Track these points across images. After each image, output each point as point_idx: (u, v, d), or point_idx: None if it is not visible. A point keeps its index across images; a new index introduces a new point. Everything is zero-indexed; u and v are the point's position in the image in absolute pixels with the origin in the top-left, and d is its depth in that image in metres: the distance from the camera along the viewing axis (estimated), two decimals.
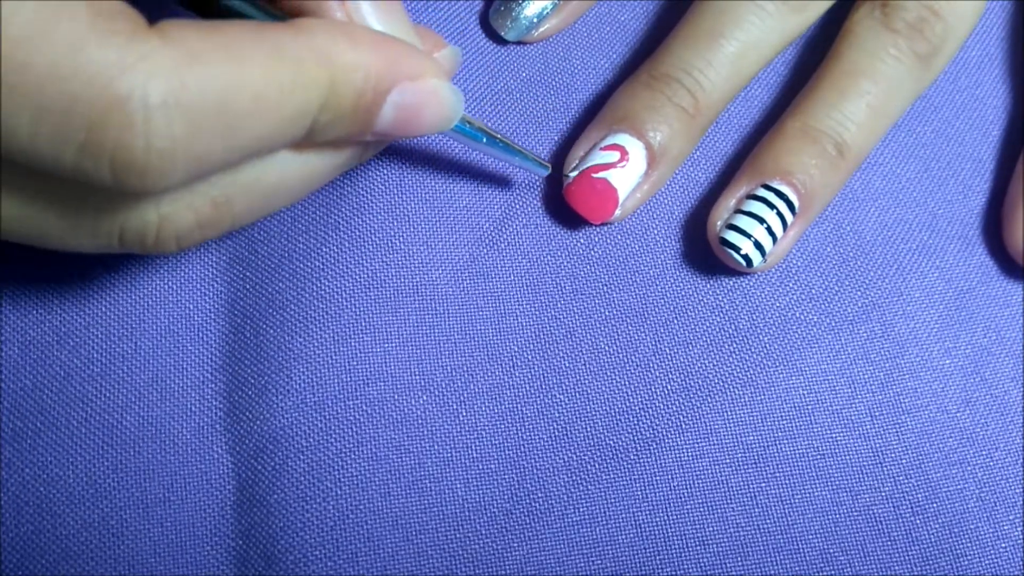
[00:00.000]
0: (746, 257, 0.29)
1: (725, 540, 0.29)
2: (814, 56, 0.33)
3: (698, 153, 0.32)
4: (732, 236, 0.29)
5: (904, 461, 0.30)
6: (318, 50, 0.20)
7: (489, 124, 0.32)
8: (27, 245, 0.21)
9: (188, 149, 0.18)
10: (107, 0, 0.17)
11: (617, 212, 0.30)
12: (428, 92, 0.22)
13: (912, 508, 0.29)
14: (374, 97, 0.21)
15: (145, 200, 0.20)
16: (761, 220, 0.29)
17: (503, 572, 0.28)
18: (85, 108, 0.17)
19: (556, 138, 0.32)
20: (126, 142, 0.17)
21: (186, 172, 0.18)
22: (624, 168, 0.29)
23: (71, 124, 0.17)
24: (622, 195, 0.29)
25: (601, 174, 0.29)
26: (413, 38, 0.24)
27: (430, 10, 0.33)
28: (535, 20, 0.32)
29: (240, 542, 0.28)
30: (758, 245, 0.29)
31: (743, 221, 0.29)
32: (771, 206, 0.29)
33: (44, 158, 0.17)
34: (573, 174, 0.30)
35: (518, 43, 0.33)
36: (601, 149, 0.29)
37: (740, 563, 0.29)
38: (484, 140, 0.27)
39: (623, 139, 0.29)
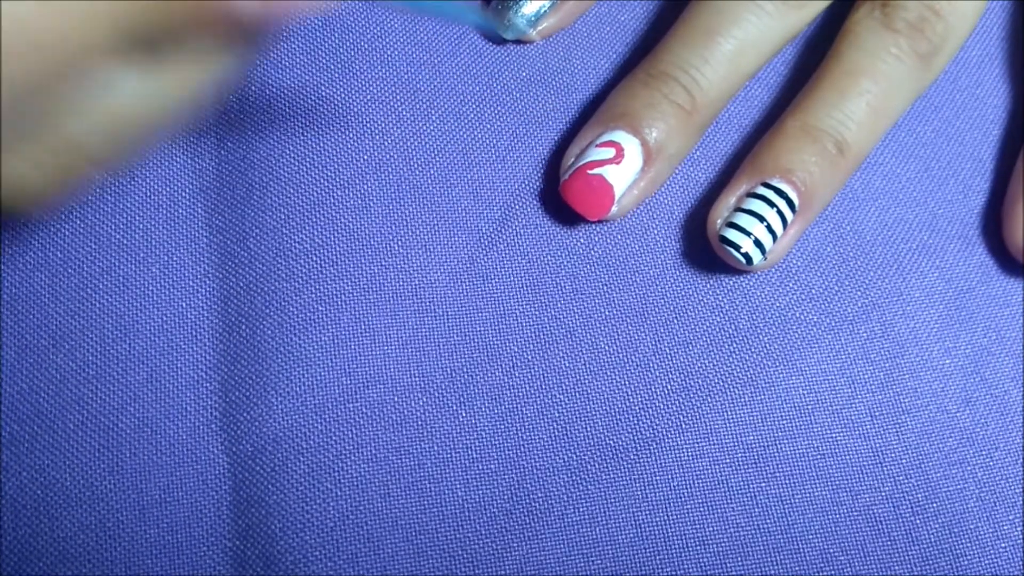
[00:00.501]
0: (746, 255, 0.29)
1: (725, 540, 0.29)
2: (814, 56, 0.33)
3: (698, 153, 0.32)
4: (732, 234, 0.29)
5: (904, 461, 0.30)
6: None
7: (489, 124, 0.32)
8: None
9: None
10: None
11: (614, 209, 0.30)
12: None
13: (912, 508, 0.29)
14: None
15: None
16: (761, 218, 0.29)
17: (503, 572, 0.28)
18: None
19: (556, 138, 0.32)
20: None
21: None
22: (620, 165, 0.29)
23: None
24: (618, 192, 0.29)
25: (596, 170, 0.29)
26: None
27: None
28: (533, 19, 0.32)
29: (238, 543, 0.28)
30: (758, 243, 0.29)
31: (743, 219, 0.29)
32: (771, 204, 0.29)
33: None
34: (569, 171, 0.30)
35: (516, 42, 0.33)
36: (597, 146, 0.29)
37: (740, 563, 0.29)
38: None
39: (619, 136, 0.29)
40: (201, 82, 0.20)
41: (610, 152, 0.29)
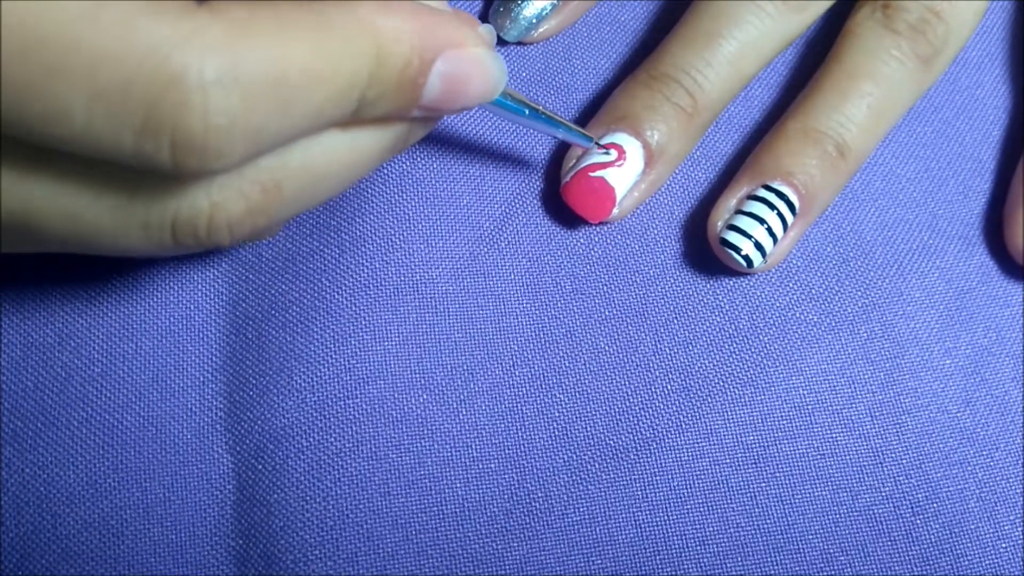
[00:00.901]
0: (746, 258, 0.29)
1: (725, 540, 0.29)
2: (814, 56, 0.33)
3: (698, 153, 0.32)
4: (732, 236, 0.29)
5: (904, 461, 0.30)
6: (362, 20, 0.19)
7: (490, 124, 0.32)
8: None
9: (246, 124, 0.18)
10: None
11: (615, 211, 0.30)
12: (473, 61, 0.21)
13: (912, 508, 0.29)
14: (420, 66, 0.21)
15: (197, 186, 0.19)
16: (762, 221, 0.29)
17: (503, 572, 0.28)
18: (141, 88, 0.16)
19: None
20: (184, 120, 0.17)
21: (244, 149, 0.18)
22: (621, 167, 0.29)
23: (128, 105, 0.16)
24: (619, 194, 0.29)
25: (598, 173, 0.29)
26: (448, 8, 0.23)
27: None
28: (535, 20, 0.32)
29: (240, 541, 0.28)
30: (758, 246, 0.29)
31: (743, 222, 0.29)
32: (772, 207, 0.29)
33: (103, 143, 0.17)
34: (570, 173, 0.30)
35: (518, 44, 0.33)
36: (598, 148, 0.29)
37: (740, 563, 0.29)
38: (526, 113, 0.26)
39: (621, 138, 0.29)
40: (383, 148, 0.23)
41: (611, 154, 0.29)
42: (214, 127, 0.17)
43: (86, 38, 0.16)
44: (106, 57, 0.16)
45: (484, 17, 0.33)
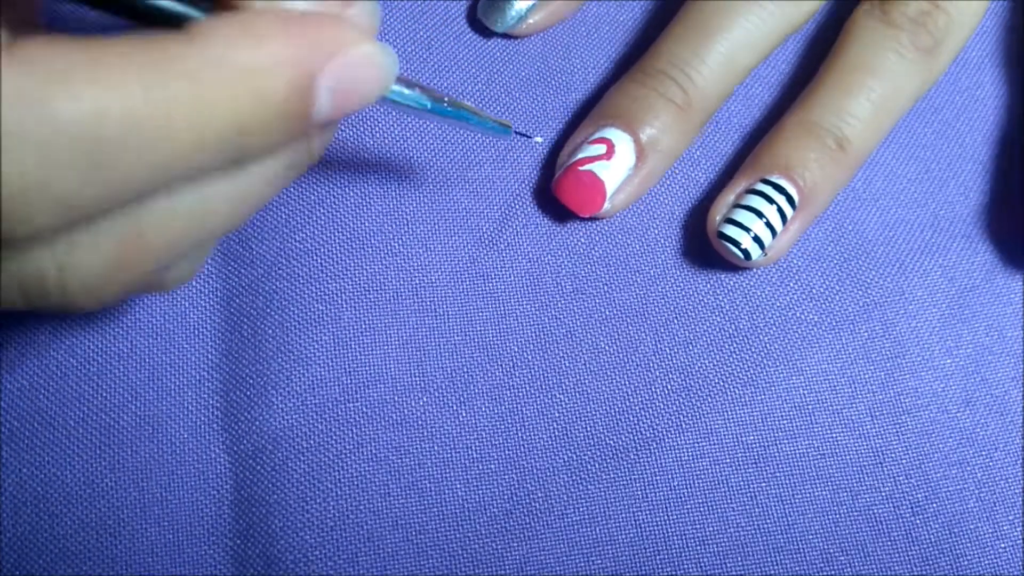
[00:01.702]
0: (745, 251, 0.29)
1: (725, 540, 0.29)
2: (815, 55, 0.33)
3: (698, 153, 0.32)
4: (731, 230, 0.29)
5: (904, 461, 0.30)
6: (220, 62, 0.17)
7: None
8: None
9: (46, 189, 0.16)
10: None
11: (606, 206, 0.30)
12: (360, 63, 0.19)
13: (912, 508, 0.29)
14: (302, 95, 0.18)
15: (36, 248, 0.17)
16: (760, 214, 0.29)
17: (503, 572, 0.28)
18: None
19: (555, 137, 0.32)
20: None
21: (52, 214, 0.16)
22: (611, 161, 0.29)
23: None
24: (609, 188, 0.29)
25: (587, 167, 0.29)
26: (331, 3, 0.20)
27: (427, 12, 0.33)
28: (524, 12, 0.32)
29: (239, 542, 0.28)
30: (757, 239, 0.29)
31: (742, 215, 0.29)
32: (770, 200, 0.29)
33: None
34: (561, 168, 0.30)
35: (505, 36, 0.33)
36: (589, 143, 0.29)
37: (740, 563, 0.29)
38: (429, 107, 0.23)
39: (611, 133, 0.29)
40: (278, 177, 0.21)
41: (601, 148, 0.29)
42: (7, 195, 0.15)
43: None
44: None
45: (474, 9, 0.33)
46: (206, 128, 0.17)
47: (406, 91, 0.23)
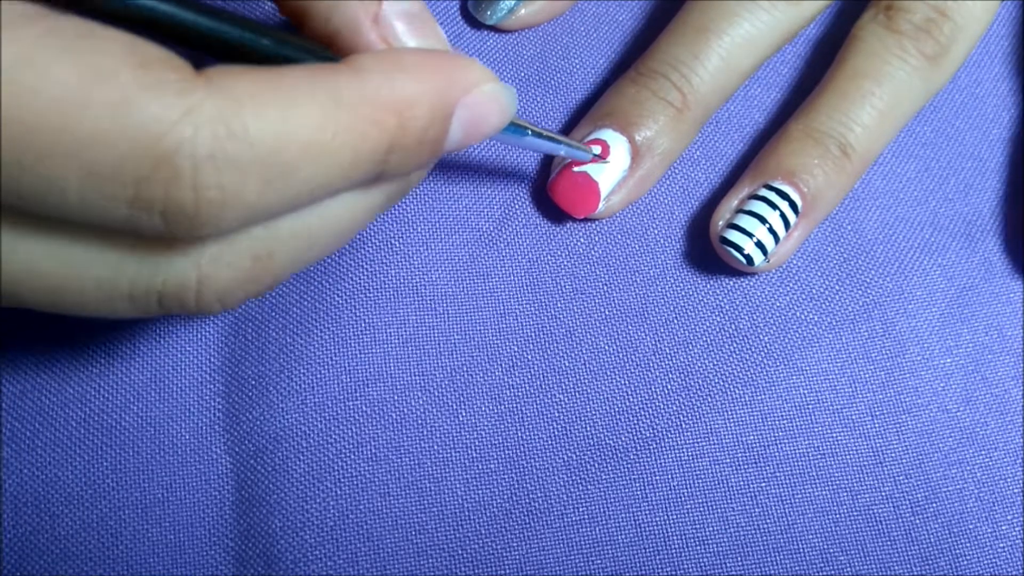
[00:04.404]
0: (748, 257, 0.29)
1: (725, 540, 0.29)
2: (817, 57, 0.33)
3: (698, 153, 0.32)
4: (734, 235, 0.29)
5: (904, 461, 0.30)
6: (376, 91, 0.19)
7: None
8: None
9: (239, 198, 0.18)
10: (151, 50, 0.17)
11: (601, 207, 0.30)
12: (488, 99, 0.21)
13: (912, 508, 0.29)
14: (442, 123, 0.20)
15: (185, 257, 0.19)
16: (763, 220, 0.29)
17: (503, 572, 0.28)
18: (132, 166, 0.16)
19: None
20: (175, 195, 0.17)
21: (240, 219, 0.18)
22: (605, 162, 0.29)
23: (119, 181, 0.16)
24: (604, 189, 0.29)
25: (581, 168, 0.29)
26: (445, 41, 0.23)
27: None
28: (514, 6, 0.32)
29: (239, 542, 0.28)
30: (760, 245, 0.29)
31: (745, 221, 0.29)
32: (773, 206, 0.29)
33: (94, 215, 0.17)
34: (556, 169, 0.30)
35: (495, 30, 0.33)
36: (584, 144, 0.29)
37: (740, 563, 0.29)
38: (529, 134, 0.26)
39: (606, 134, 0.29)
40: (390, 199, 0.22)
41: (596, 149, 0.29)
42: (206, 200, 0.17)
43: (77, 121, 0.16)
44: (98, 138, 0.16)
45: (464, 1, 0.33)
46: (362, 149, 0.19)
47: (516, 122, 0.25)
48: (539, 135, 0.26)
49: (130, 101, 0.16)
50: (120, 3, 0.17)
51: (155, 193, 0.17)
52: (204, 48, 0.19)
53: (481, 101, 0.21)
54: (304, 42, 0.21)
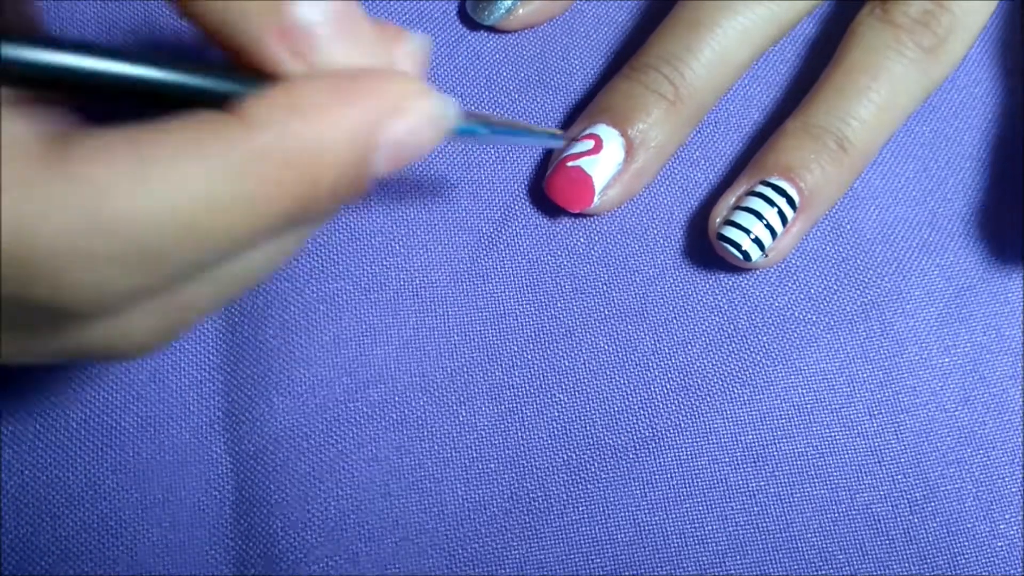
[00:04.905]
0: (745, 253, 0.29)
1: (724, 539, 0.29)
2: (815, 56, 0.33)
3: (697, 153, 0.32)
4: (731, 232, 0.29)
5: (903, 460, 0.30)
6: (268, 150, 0.16)
7: None
8: None
9: (112, 287, 0.16)
10: (6, 135, 0.15)
11: (596, 201, 0.30)
12: (416, 125, 0.19)
13: (910, 507, 0.29)
14: (359, 167, 0.18)
15: (90, 327, 0.18)
16: (760, 216, 0.29)
17: (503, 572, 0.28)
18: (3, 273, 0.15)
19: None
20: (45, 293, 0.16)
21: (120, 301, 0.17)
22: (598, 156, 0.29)
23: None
24: (598, 183, 0.29)
25: (575, 162, 0.29)
26: (378, 44, 0.19)
27: (425, 14, 0.33)
28: (512, 6, 0.32)
29: (240, 542, 0.28)
30: (757, 241, 0.29)
31: (742, 217, 0.29)
32: (771, 202, 0.29)
33: None
34: (551, 166, 0.30)
35: (493, 31, 0.33)
36: (578, 140, 0.29)
37: (739, 562, 0.29)
38: (483, 131, 0.23)
39: (599, 129, 0.29)
40: (318, 225, 0.20)
41: (588, 144, 0.29)
42: (72, 299, 0.16)
43: None
44: None
45: (462, 1, 0.33)
46: (259, 216, 0.17)
47: (462, 124, 0.22)
48: (497, 130, 0.24)
49: None
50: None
51: (22, 294, 0.16)
52: (101, 95, 0.17)
53: (408, 129, 0.18)
54: (213, 70, 0.18)
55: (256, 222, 0.17)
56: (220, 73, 0.18)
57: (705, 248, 0.31)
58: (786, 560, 0.29)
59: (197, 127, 0.16)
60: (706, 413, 0.30)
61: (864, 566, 0.29)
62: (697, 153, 0.32)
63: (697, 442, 0.30)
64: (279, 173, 0.17)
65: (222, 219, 0.16)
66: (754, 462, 0.29)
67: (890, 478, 0.30)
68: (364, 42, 0.19)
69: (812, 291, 0.31)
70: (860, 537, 0.29)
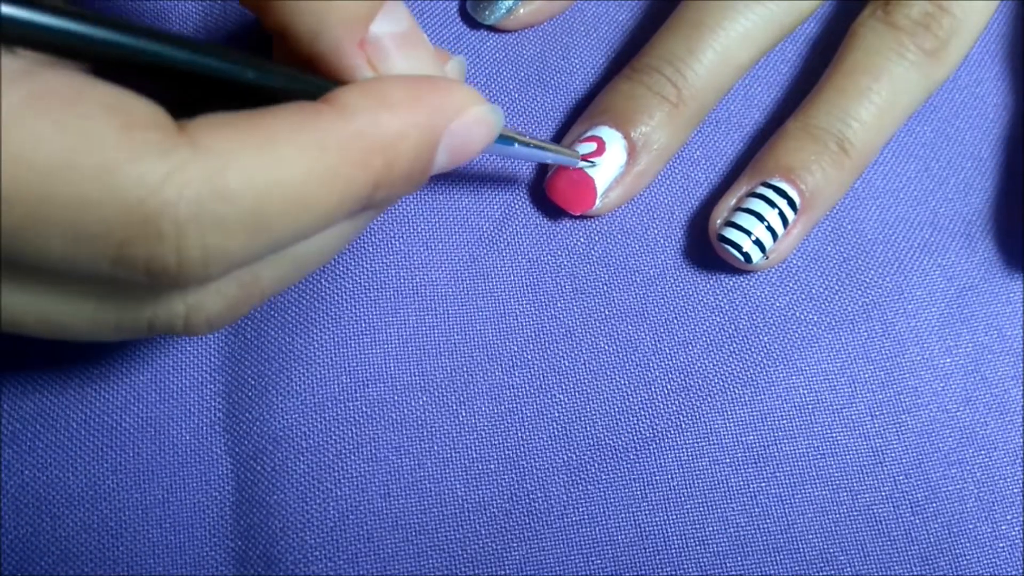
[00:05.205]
0: (746, 255, 0.29)
1: (725, 540, 0.29)
2: (816, 56, 0.33)
3: (698, 153, 0.32)
4: (732, 233, 0.29)
5: (904, 461, 0.30)
6: (362, 132, 0.19)
7: None
8: None
9: (223, 253, 0.18)
10: (136, 108, 0.17)
11: (598, 203, 0.30)
12: (475, 123, 0.21)
13: (912, 508, 0.29)
14: (428, 156, 0.21)
15: (171, 294, 0.20)
16: (761, 218, 0.29)
17: (503, 572, 0.28)
18: (116, 228, 0.16)
19: (553, 137, 0.32)
20: (158, 255, 0.17)
21: (224, 269, 0.18)
22: (600, 158, 0.29)
23: (103, 243, 0.17)
24: (600, 185, 0.29)
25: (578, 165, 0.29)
26: (435, 61, 0.23)
27: (425, 13, 0.33)
28: (513, 5, 0.32)
29: (240, 543, 0.28)
30: (758, 242, 0.29)
31: (743, 219, 0.29)
32: (771, 204, 0.29)
33: (78, 271, 0.17)
34: (553, 167, 0.30)
35: (493, 30, 0.33)
36: (580, 142, 0.29)
37: (740, 563, 0.29)
38: (516, 146, 0.26)
39: (602, 131, 0.29)
40: (374, 216, 0.23)
41: (591, 146, 0.29)
42: (189, 260, 0.17)
43: (63, 187, 0.16)
44: (82, 203, 0.16)
45: (463, 1, 0.33)
46: (347, 192, 0.19)
47: (502, 135, 0.25)
48: (526, 145, 0.26)
49: (113, 166, 0.16)
50: (97, 46, 0.17)
51: (138, 254, 0.17)
52: (188, 84, 0.19)
53: (467, 126, 0.21)
54: (289, 71, 0.20)
55: (345, 199, 0.19)
56: (300, 75, 0.20)
57: (706, 248, 0.31)
58: (787, 561, 0.29)
59: (300, 112, 0.18)
60: (707, 414, 0.30)
61: (865, 567, 0.29)
62: (698, 153, 0.32)
63: (698, 443, 0.29)
64: (367, 155, 0.19)
65: (322, 193, 0.18)
66: (755, 463, 0.29)
67: (891, 479, 0.29)
68: (423, 59, 0.22)
69: (813, 291, 0.31)
70: (861, 538, 0.29)
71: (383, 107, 0.19)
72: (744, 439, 0.30)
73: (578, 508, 0.29)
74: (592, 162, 0.29)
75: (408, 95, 0.20)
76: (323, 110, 0.19)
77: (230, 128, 0.17)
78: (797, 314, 0.31)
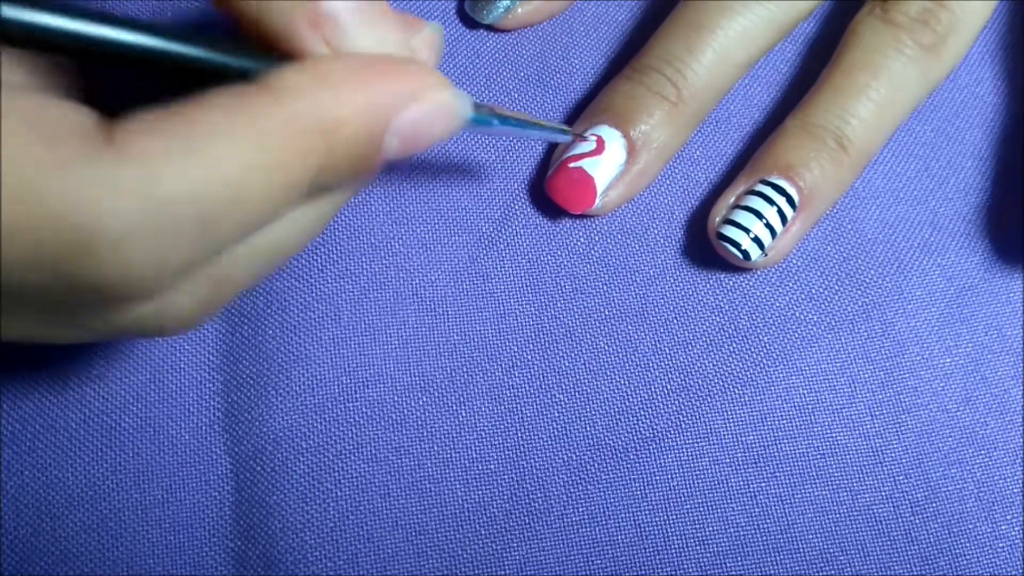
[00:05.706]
0: (744, 252, 0.29)
1: (725, 540, 0.29)
2: (816, 56, 0.33)
3: (698, 153, 0.32)
4: (730, 231, 0.29)
5: (904, 460, 0.30)
6: (298, 117, 0.18)
7: None
8: None
9: (168, 262, 0.17)
10: (61, 119, 0.16)
11: (598, 203, 0.30)
12: (432, 111, 0.20)
13: (912, 508, 0.29)
14: (373, 141, 0.19)
15: (148, 300, 0.19)
16: (760, 215, 0.29)
17: (503, 572, 0.28)
18: (48, 248, 0.16)
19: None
20: (95, 272, 0.16)
21: (172, 277, 0.18)
22: (600, 157, 0.29)
23: (40, 262, 0.16)
24: (600, 184, 0.29)
25: (577, 163, 0.29)
26: (400, 37, 0.21)
27: (425, 13, 0.33)
28: (511, 4, 0.32)
29: (239, 543, 0.28)
30: (756, 240, 0.29)
31: (742, 216, 0.29)
32: (770, 201, 0.29)
33: (25, 291, 0.17)
34: (552, 166, 0.30)
35: (492, 29, 0.33)
36: (579, 141, 0.29)
37: (740, 563, 0.29)
38: (496, 123, 0.24)
39: (601, 129, 0.29)
40: (338, 204, 0.22)
41: (591, 145, 0.29)
42: (133, 275, 0.17)
43: None
44: (9, 227, 0.15)
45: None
46: (288, 181, 0.18)
47: (476, 114, 0.23)
48: (507, 121, 0.25)
49: (38, 186, 0.15)
50: (24, 27, 0.16)
51: (75, 272, 0.16)
52: (125, 64, 0.18)
53: (422, 113, 0.20)
54: (237, 46, 0.19)
55: (288, 188, 0.18)
56: (242, 51, 0.19)
57: (706, 248, 0.30)
58: (787, 561, 0.29)
59: (231, 98, 0.17)
60: (707, 413, 0.30)
61: (865, 567, 0.29)
62: (697, 152, 0.32)
63: (698, 442, 0.29)
64: (305, 141, 0.18)
65: (261, 186, 0.18)
66: (755, 462, 0.29)
67: (891, 478, 0.29)
68: (387, 32, 0.20)
69: (813, 291, 0.31)
70: (861, 538, 0.29)
71: (323, 87, 0.18)
72: (744, 439, 0.30)
73: (578, 508, 0.29)
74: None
75: (352, 76, 0.19)
76: (256, 94, 0.18)
77: (159, 129, 0.17)
78: (797, 314, 0.31)
